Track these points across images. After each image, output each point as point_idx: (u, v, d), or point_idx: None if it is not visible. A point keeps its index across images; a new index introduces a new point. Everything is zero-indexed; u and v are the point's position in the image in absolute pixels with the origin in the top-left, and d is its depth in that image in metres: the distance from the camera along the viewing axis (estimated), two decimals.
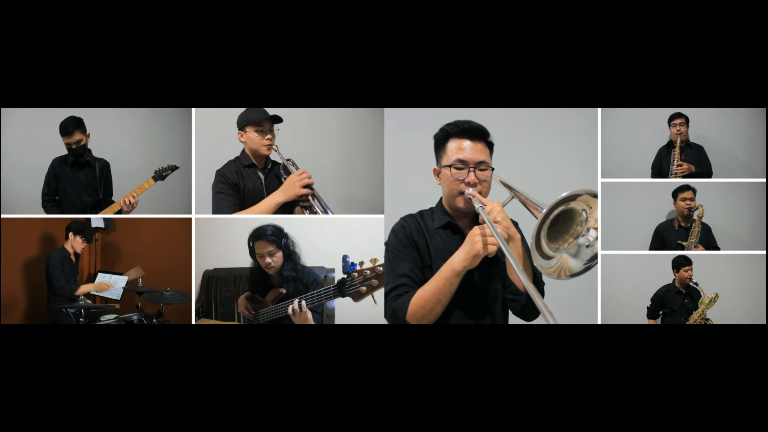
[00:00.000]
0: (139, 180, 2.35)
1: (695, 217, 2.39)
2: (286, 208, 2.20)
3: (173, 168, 2.34)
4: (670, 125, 2.44)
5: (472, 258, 1.56)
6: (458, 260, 1.58)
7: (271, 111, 2.19)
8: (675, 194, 2.40)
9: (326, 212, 2.12)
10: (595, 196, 1.45)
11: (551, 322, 1.15)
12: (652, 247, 2.39)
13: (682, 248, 2.38)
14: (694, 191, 2.38)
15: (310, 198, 2.11)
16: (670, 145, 2.45)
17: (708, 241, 2.39)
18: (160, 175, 2.34)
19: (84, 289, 2.44)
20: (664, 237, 2.41)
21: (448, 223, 1.75)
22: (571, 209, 1.47)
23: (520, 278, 1.29)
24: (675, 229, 2.42)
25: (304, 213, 2.17)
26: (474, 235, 1.57)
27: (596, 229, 1.49)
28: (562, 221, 1.48)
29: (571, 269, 1.49)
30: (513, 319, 1.80)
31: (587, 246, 1.49)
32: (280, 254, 2.16)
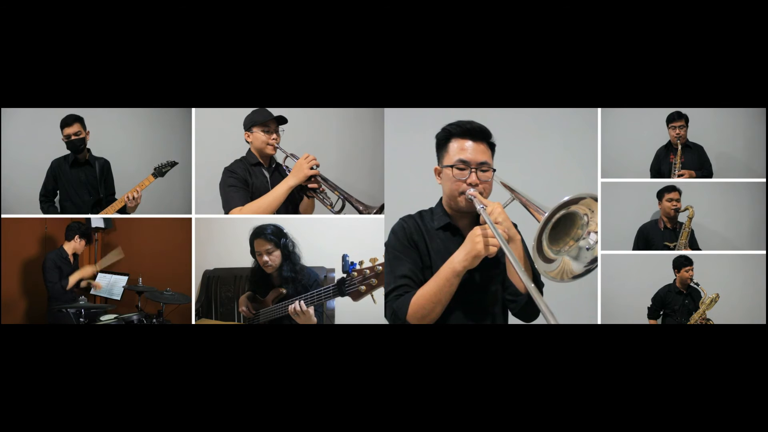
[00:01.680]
0: (139, 180, 2.35)
1: (686, 217, 2.38)
2: (293, 207, 2.21)
3: (172, 164, 2.34)
4: (668, 127, 2.43)
5: (473, 258, 1.56)
6: (458, 260, 1.58)
7: (273, 111, 2.21)
8: (660, 195, 2.39)
9: (335, 190, 2.15)
10: (597, 199, 1.46)
11: (552, 323, 1.15)
12: (636, 248, 2.38)
13: (669, 249, 2.38)
14: (679, 192, 2.37)
15: (319, 179, 2.13)
16: (669, 146, 2.44)
17: (692, 243, 2.39)
18: (159, 172, 2.34)
19: (73, 279, 2.43)
20: (648, 237, 2.40)
21: (447, 224, 1.75)
22: (572, 213, 1.47)
23: (521, 279, 1.28)
24: (660, 230, 2.41)
25: (313, 199, 2.20)
26: (475, 235, 1.56)
27: (596, 232, 1.49)
28: (563, 224, 1.48)
29: (572, 271, 1.50)
30: (513, 320, 1.80)
31: (588, 249, 1.50)
32: (278, 253, 2.17)
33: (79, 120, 2.34)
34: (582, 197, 1.44)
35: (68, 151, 2.37)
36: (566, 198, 1.43)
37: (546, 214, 1.41)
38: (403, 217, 1.80)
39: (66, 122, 2.33)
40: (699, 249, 2.38)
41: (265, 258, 2.16)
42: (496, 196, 1.71)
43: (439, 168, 1.77)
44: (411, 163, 2.25)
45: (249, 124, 2.20)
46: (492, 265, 1.69)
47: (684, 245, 2.38)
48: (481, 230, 1.56)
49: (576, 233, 1.50)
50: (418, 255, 1.72)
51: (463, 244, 1.59)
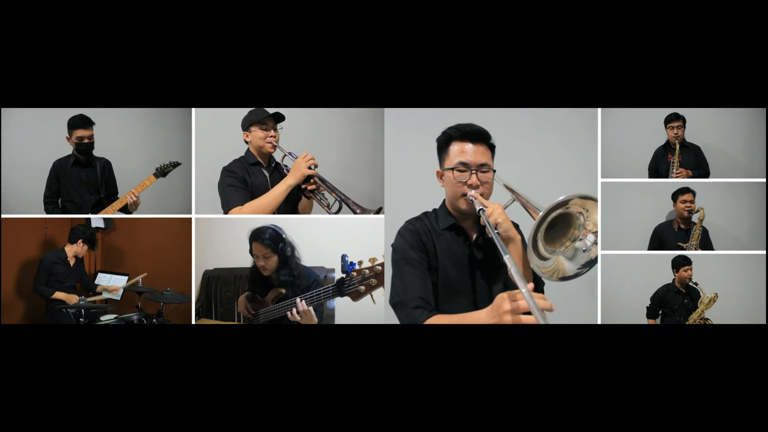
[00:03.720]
0: (140, 180, 2.35)
1: (696, 219, 2.39)
2: (292, 206, 2.22)
3: (175, 164, 2.34)
4: (666, 127, 2.44)
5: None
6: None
7: (273, 111, 2.21)
8: (675, 196, 2.41)
9: (333, 192, 2.15)
10: (588, 198, 1.45)
11: (541, 323, 1.15)
12: (651, 248, 2.39)
13: (682, 250, 2.39)
14: (693, 193, 2.38)
15: (317, 179, 2.13)
16: (667, 146, 2.45)
17: (705, 244, 2.40)
18: (162, 172, 2.34)
19: (58, 296, 2.42)
20: (663, 238, 2.41)
21: (453, 225, 1.76)
22: (568, 213, 1.47)
23: (517, 283, 1.26)
24: (674, 230, 2.43)
25: (311, 199, 2.19)
26: (503, 311, 1.35)
27: (595, 233, 1.48)
28: (560, 225, 1.48)
29: (564, 272, 1.49)
30: None
31: (584, 251, 1.49)
32: (274, 259, 2.16)
33: (93, 124, 2.34)
34: (569, 199, 1.44)
35: (69, 152, 2.37)
36: (559, 198, 1.43)
37: (540, 213, 1.41)
38: (409, 219, 1.80)
39: (81, 124, 2.32)
40: (713, 250, 2.38)
41: (261, 262, 2.16)
42: (497, 197, 1.71)
43: (440, 171, 1.78)
44: (411, 164, 2.25)
45: (246, 124, 2.21)
46: (495, 266, 1.71)
47: (695, 246, 2.39)
48: (511, 303, 1.34)
49: (573, 234, 1.50)
50: (426, 257, 1.71)
51: (490, 308, 1.40)
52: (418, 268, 1.68)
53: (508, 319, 1.33)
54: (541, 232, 1.44)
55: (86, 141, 2.33)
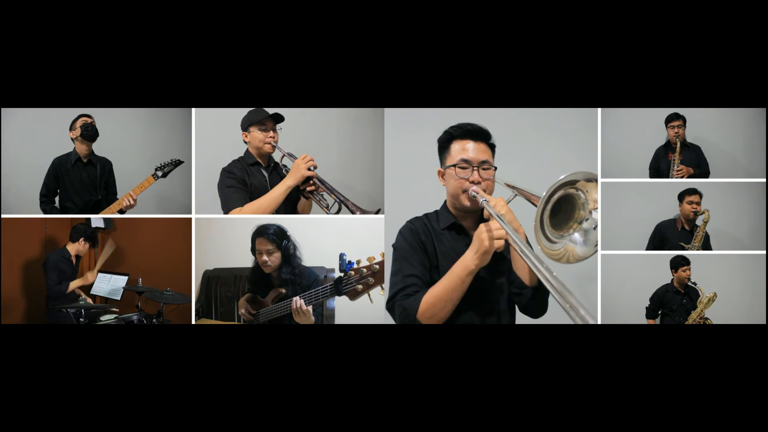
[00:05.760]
0: (139, 181, 2.35)
1: (701, 222, 2.39)
2: (291, 206, 2.22)
3: (176, 163, 2.32)
4: (667, 127, 2.44)
5: (482, 255, 1.58)
6: (470, 258, 1.60)
7: (272, 111, 2.21)
8: (681, 197, 2.40)
9: (332, 193, 2.15)
10: (591, 179, 1.47)
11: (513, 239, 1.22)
12: (651, 244, 2.39)
13: (684, 250, 2.38)
14: (700, 195, 2.37)
15: (316, 180, 2.14)
16: (668, 146, 2.45)
17: (705, 247, 2.39)
18: (163, 173, 2.33)
19: (74, 285, 2.43)
20: (664, 236, 2.41)
21: (453, 224, 1.77)
22: (570, 195, 1.48)
23: (524, 257, 1.28)
24: (677, 230, 2.42)
25: (310, 200, 2.20)
26: (480, 232, 1.59)
27: (597, 209, 1.50)
28: (565, 209, 1.49)
29: (577, 256, 1.50)
30: (519, 319, 1.80)
31: (594, 228, 1.50)
32: (278, 255, 2.17)
33: (87, 116, 2.34)
34: (576, 179, 1.46)
35: (70, 150, 2.36)
36: (561, 178, 1.45)
37: (543, 195, 1.44)
38: (410, 219, 1.82)
39: (74, 120, 2.33)
40: (712, 250, 2.38)
41: (265, 257, 2.16)
42: (498, 195, 1.72)
43: (442, 170, 1.79)
44: (411, 164, 2.25)
45: (246, 124, 2.21)
46: (498, 260, 1.71)
47: (697, 248, 2.38)
48: (485, 226, 1.58)
49: (579, 215, 1.51)
50: (426, 255, 1.73)
51: (471, 243, 1.61)
52: (419, 262, 1.71)
53: (486, 242, 1.56)
54: (547, 212, 1.45)
55: (90, 121, 2.32)
